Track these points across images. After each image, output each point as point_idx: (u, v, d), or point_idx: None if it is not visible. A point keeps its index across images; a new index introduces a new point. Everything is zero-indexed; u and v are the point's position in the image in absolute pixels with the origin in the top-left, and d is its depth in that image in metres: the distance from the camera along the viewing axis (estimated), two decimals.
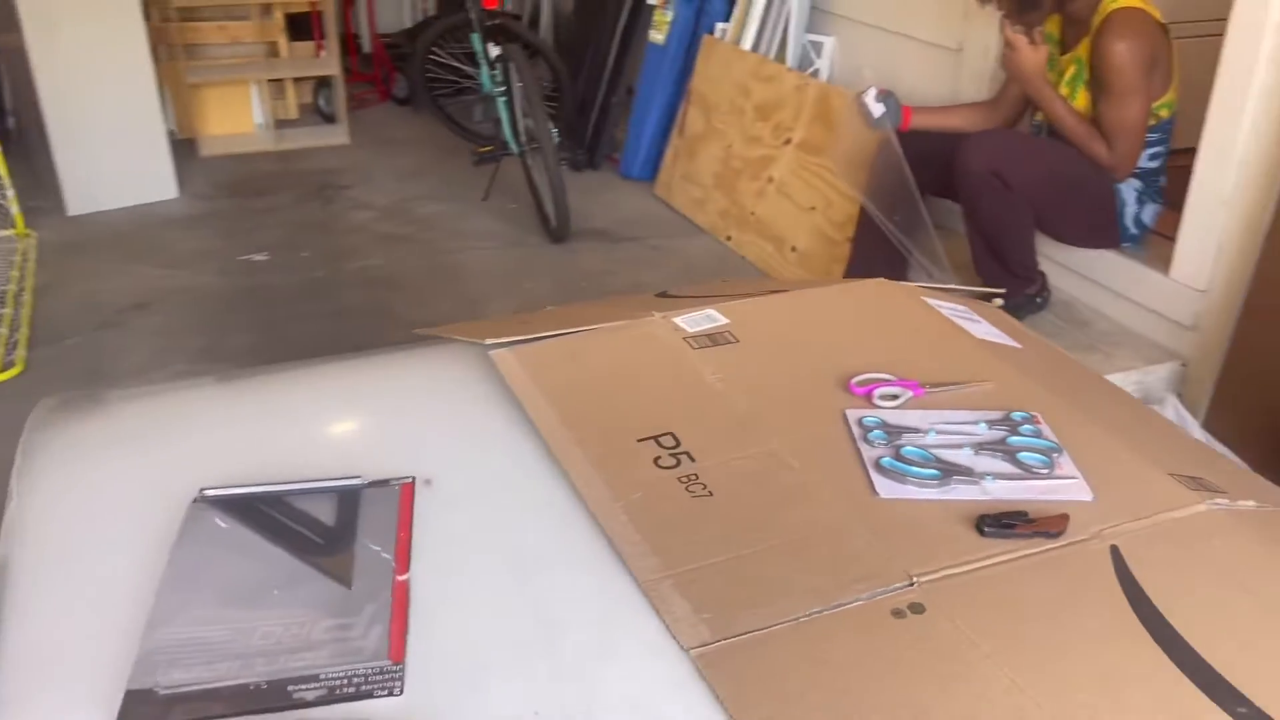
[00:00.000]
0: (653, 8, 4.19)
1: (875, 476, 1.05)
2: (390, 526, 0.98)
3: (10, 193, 3.57)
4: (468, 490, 1.06)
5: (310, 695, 0.79)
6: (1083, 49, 2.37)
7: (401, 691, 0.80)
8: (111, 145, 3.83)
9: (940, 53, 3.08)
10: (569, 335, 1.30)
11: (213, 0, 4.73)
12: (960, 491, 1.04)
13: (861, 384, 1.21)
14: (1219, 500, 1.05)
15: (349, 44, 5.40)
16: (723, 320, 1.34)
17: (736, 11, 3.87)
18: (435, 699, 0.80)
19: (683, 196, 3.90)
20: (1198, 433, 2.22)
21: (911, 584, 0.91)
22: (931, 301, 1.47)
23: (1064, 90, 2.41)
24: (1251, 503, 1.07)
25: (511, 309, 3.11)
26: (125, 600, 0.90)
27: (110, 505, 1.05)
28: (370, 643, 0.84)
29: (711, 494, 1.03)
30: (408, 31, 5.64)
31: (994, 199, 2.32)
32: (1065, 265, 2.67)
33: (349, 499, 1.01)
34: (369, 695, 0.79)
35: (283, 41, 4.97)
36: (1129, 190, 2.43)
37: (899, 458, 1.08)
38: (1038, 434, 1.13)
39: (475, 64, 4.30)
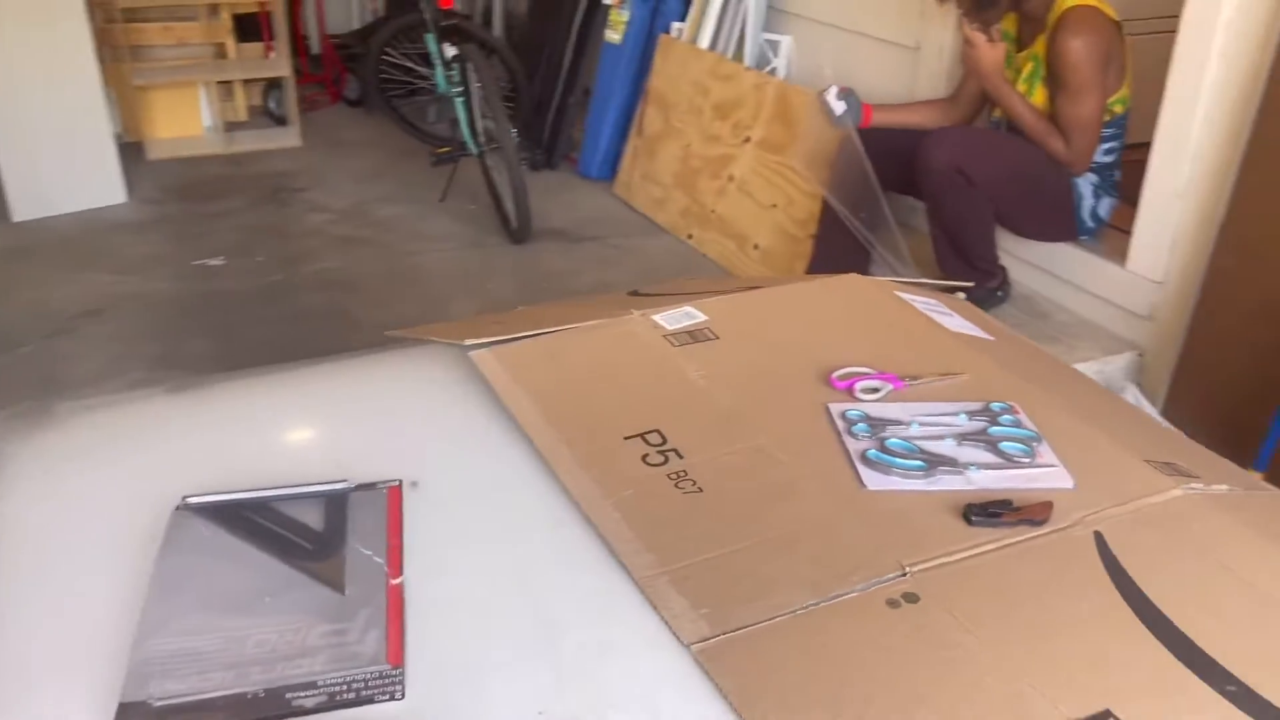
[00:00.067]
0: (608, 7, 4.19)
1: (862, 469, 1.06)
2: (380, 530, 0.96)
3: None
4: (455, 492, 1.05)
5: (310, 702, 0.78)
6: (1039, 46, 2.42)
7: (403, 695, 0.79)
8: (57, 149, 3.74)
9: (898, 51, 3.12)
10: (548, 335, 1.30)
11: (158, 1, 4.64)
12: (945, 482, 1.05)
13: (842, 378, 1.22)
14: (1194, 485, 1.08)
15: (298, 45, 5.33)
16: (701, 317, 1.35)
17: (693, 11, 3.89)
18: (438, 702, 0.79)
19: (643, 196, 3.90)
20: (1157, 420, 2.27)
21: (904, 574, 0.92)
22: (904, 296, 1.49)
23: (1022, 87, 2.45)
24: (1224, 487, 1.10)
25: (474, 310, 3.09)
26: (109, 612, 0.88)
27: (87, 516, 1.03)
28: (368, 647, 0.83)
29: (701, 490, 1.03)
30: (358, 32, 5.58)
31: (957, 194, 2.36)
32: (1025, 259, 2.72)
33: (336, 503, 1.00)
34: (370, 700, 0.78)
35: (230, 43, 4.89)
36: (1086, 184, 2.48)
37: (884, 450, 1.09)
38: (1017, 424, 1.15)
39: (429, 64, 4.27)
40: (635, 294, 1.62)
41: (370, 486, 1.02)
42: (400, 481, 1.03)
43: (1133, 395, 2.36)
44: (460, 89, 3.71)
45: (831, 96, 2.63)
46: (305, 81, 5.22)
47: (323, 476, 1.03)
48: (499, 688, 0.81)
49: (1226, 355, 2.19)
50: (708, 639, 0.84)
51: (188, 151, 4.55)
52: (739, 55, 3.69)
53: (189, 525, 0.96)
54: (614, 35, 4.15)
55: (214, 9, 4.82)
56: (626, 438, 1.10)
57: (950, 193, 2.37)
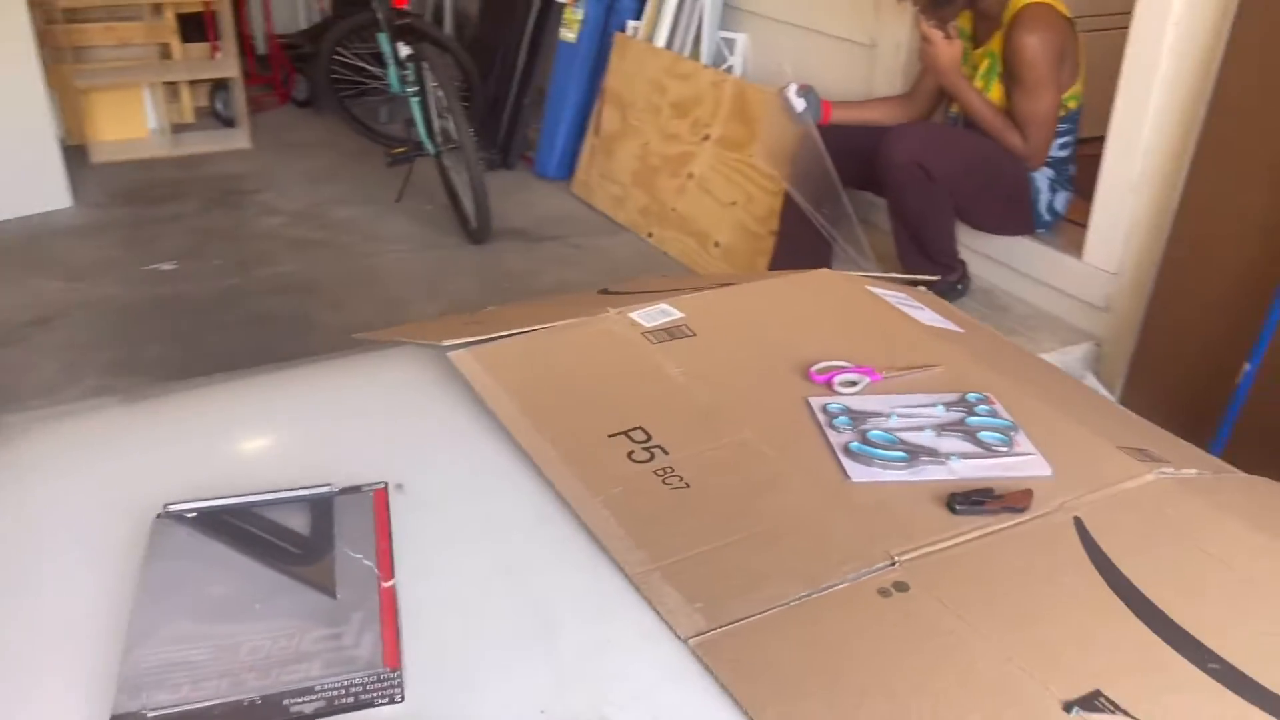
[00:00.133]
0: (563, 6, 4.17)
1: (845, 461, 1.07)
2: (368, 533, 0.95)
3: None
4: (441, 494, 1.04)
5: (308, 708, 0.77)
6: (995, 43, 2.46)
7: (402, 698, 0.78)
8: None
9: (854, 48, 3.15)
10: (527, 334, 1.29)
11: (100, 1, 4.54)
12: (928, 472, 1.06)
13: (821, 371, 1.23)
14: (1165, 469, 1.10)
15: (244, 45, 5.25)
16: (677, 314, 1.35)
17: (648, 9, 3.89)
18: (438, 704, 0.79)
19: (601, 194, 3.90)
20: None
21: (893, 564, 0.93)
22: (875, 290, 1.51)
23: (979, 83, 2.49)
24: (1193, 471, 1.13)
25: (437, 312, 3.07)
26: (94, 623, 0.86)
27: (63, 526, 1.01)
28: (364, 651, 0.82)
29: (689, 486, 1.03)
30: (307, 32, 5.50)
31: (917, 189, 2.39)
32: (983, 253, 2.77)
33: (321, 507, 0.98)
34: (369, 704, 0.78)
35: (175, 43, 4.80)
36: (1042, 179, 2.53)
37: (866, 441, 1.10)
38: (993, 413, 1.17)
39: (382, 64, 4.22)
40: (605, 292, 1.62)
41: (355, 490, 1.01)
42: (385, 484, 1.03)
43: (1091, 385, 2.41)
44: (416, 89, 3.68)
45: (792, 94, 2.65)
46: (253, 82, 5.14)
47: (304, 481, 1.02)
48: (499, 688, 0.80)
49: (1181, 344, 2.24)
50: (704, 632, 0.85)
51: (134, 154, 4.46)
52: (695, 53, 3.70)
53: (172, 533, 0.95)
54: (569, 34, 4.14)
55: (157, 9, 4.73)
56: (611, 435, 1.10)
57: (911, 187, 2.41)
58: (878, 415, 1.15)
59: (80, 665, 0.83)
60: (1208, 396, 2.14)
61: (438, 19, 5.11)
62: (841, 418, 1.14)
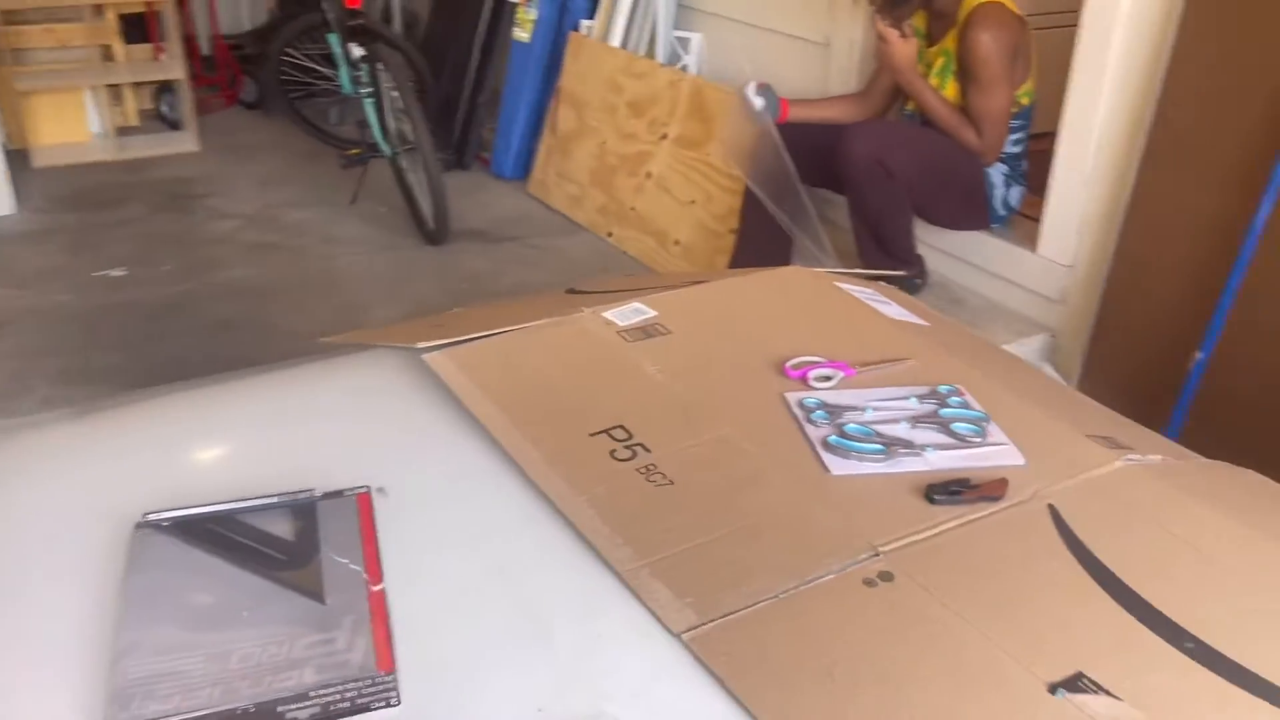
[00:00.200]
0: (515, 6, 4.16)
1: (825, 455, 1.09)
2: (354, 538, 0.95)
3: None
4: (424, 496, 1.04)
5: (303, 714, 0.76)
6: (949, 41, 2.50)
7: (398, 701, 0.78)
8: None
9: (808, 47, 3.18)
10: (502, 335, 1.29)
11: (39, 2, 4.43)
12: (905, 464, 1.08)
13: (796, 367, 1.24)
14: (1132, 456, 1.13)
15: (189, 47, 5.16)
16: (651, 313, 1.36)
17: (601, 9, 3.89)
18: (434, 706, 0.79)
19: (559, 194, 3.89)
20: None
21: (877, 554, 0.94)
22: (844, 286, 1.53)
23: (934, 81, 2.53)
24: (1158, 457, 1.16)
25: (397, 314, 3.05)
26: (77, 635, 0.85)
27: (38, 538, 0.99)
28: (356, 655, 0.82)
29: (672, 482, 1.04)
30: (254, 32, 5.43)
31: (876, 185, 2.42)
32: (939, 248, 2.81)
33: (305, 513, 0.98)
34: (365, 708, 0.77)
35: (118, 45, 4.71)
36: (997, 174, 2.58)
37: (844, 435, 1.11)
38: (965, 405, 1.19)
39: (332, 65, 4.18)
40: (573, 292, 1.62)
41: (338, 494, 1.01)
42: (368, 488, 1.02)
43: (1048, 375, 2.46)
44: (370, 90, 3.64)
45: (750, 92, 2.68)
46: (198, 84, 5.06)
47: (282, 487, 1.01)
48: (495, 688, 0.80)
49: (1135, 334, 2.30)
50: (696, 627, 0.86)
51: (77, 158, 4.36)
52: (650, 52, 3.71)
53: (153, 542, 0.93)
54: (522, 34, 4.13)
55: (98, 10, 4.63)
56: (592, 435, 1.11)
57: (870, 184, 2.44)
58: (853, 409, 1.17)
59: (66, 678, 0.81)
60: (1161, 384, 2.20)
61: (386, 19, 5.07)
62: (818, 412, 1.15)
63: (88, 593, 0.89)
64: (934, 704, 0.79)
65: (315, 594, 0.88)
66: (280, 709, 0.77)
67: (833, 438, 1.11)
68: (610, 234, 3.61)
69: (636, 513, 1.00)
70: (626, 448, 1.09)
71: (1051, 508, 1.03)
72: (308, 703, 0.77)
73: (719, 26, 3.57)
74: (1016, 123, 2.54)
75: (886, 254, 2.55)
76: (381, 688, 0.79)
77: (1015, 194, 2.64)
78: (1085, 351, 2.43)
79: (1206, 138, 2.10)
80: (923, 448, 1.10)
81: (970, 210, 2.61)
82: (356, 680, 0.79)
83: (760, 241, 2.76)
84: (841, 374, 1.24)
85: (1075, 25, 2.39)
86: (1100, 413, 1.37)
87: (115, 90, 4.73)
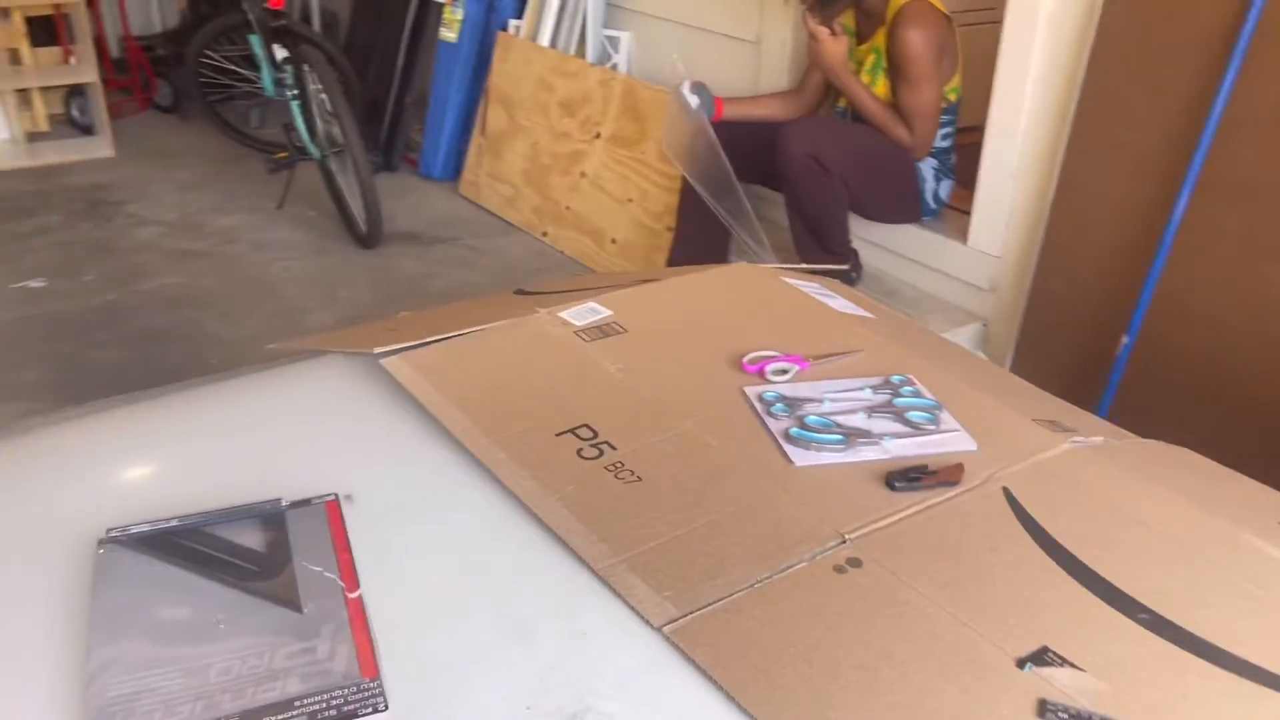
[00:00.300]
0: (441, 6, 4.13)
1: (787, 447, 1.11)
2: (326, 546, 0.94)
3: None
4: (393, 502, 1.03)
5: None
6: (879, 39, 2.56)
7: (386, 707, 0.78)
8: None
9: (739, 45, 3.22)
10: (459, 338, 1.29)
11: None
12: (865, 453, 1.11)
13: (753, 362, 1.27)
14: (1077, 439, 1.18)
15: (99, 49, 5.01)
16: (606, 312, 1.37)
17: (530, 8, 3.88)
18: (423, 710, 0.79)
19: (492, 195, 3.88)
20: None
21: (844, 542, 0.97)
22: (791, 281, 1.56)
23: (865, 78, 2.58)
24: (1099, 438, 1.21)
25: (334, 319, 3.01)
26: (46, 654, 0.83)
27: None
28: (339, 663, 0.81)
29: (641, 479, 1.05)
30: (167, 34, 5.29)
31: (813, 182, 2.47)
32: (873, 242, 2.87)
33: (274, 522, 0.97)
34: (354, 715, 0.77)
35: (25, 48, 4.56)
36: (927, 168, 2.65)
37: (804, 427, 1.14)
38: (917, 394, 1.22)
39: (252, 66, 4.10)
40: (522, 292, 1.63)
41: (305, 503, 1.00)
42: (336, 495, 1.01)
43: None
44: (296, 92, 3.58)
45: (685, 90, 2.70)
46: (110, 87, 4.91)
47: (246, 498, 1.00)
48: (482, 689, 0.81)
49: (1063, 320, 2.38)
50: (676, 620, 0.87)
51: None
52: (580, 51, 3.71)
53: (118, 558, 0.92)
54: (449, 34, 4.10)
55: (4, 12, 4.48)
56: (558, 434, 1.12)
57: (806, 180, 2.48)
58: (811, 401, 1.19)
59: (40, 702, 0.79)
60: (1090, 368, 2.28)
61: (305, 19, 4.99)
62: (778, 405, 1.18)
63: (53, 614, 0.87)
64: (912, 684, 0.81)
65: (292, 603, 0.87)
66: (266, 719, 0.76)
67: (794, 430, 1.13)
68: (546, 234, 3.61)
69: (608, 510, 1.01)
70: (593, 446, 1.10)
71: (1006, 490, 1.07)
72: (294, 712, 0.77)
73: (648, 25, 3.59)
74: (945, 118, 2.60)
75: (823, 248, 2.60)
76: (368, 694, 0.79)
77: (945, 187, 2.71)
78: (1016, 339, 2.51)
79: (1127, 130, 2.18)
80: (880, 436, 1.13)
81: (903, 204, 2.67)
82: (342, 688, 0.79)
83: (698, 239, 2.79)
84: (797, 367, 1.27)
85: (997, 21, 2.47)
86: (1042, 397, 1.42)
87: (24, 95, 4.57)
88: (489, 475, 1.05)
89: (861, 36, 2.63)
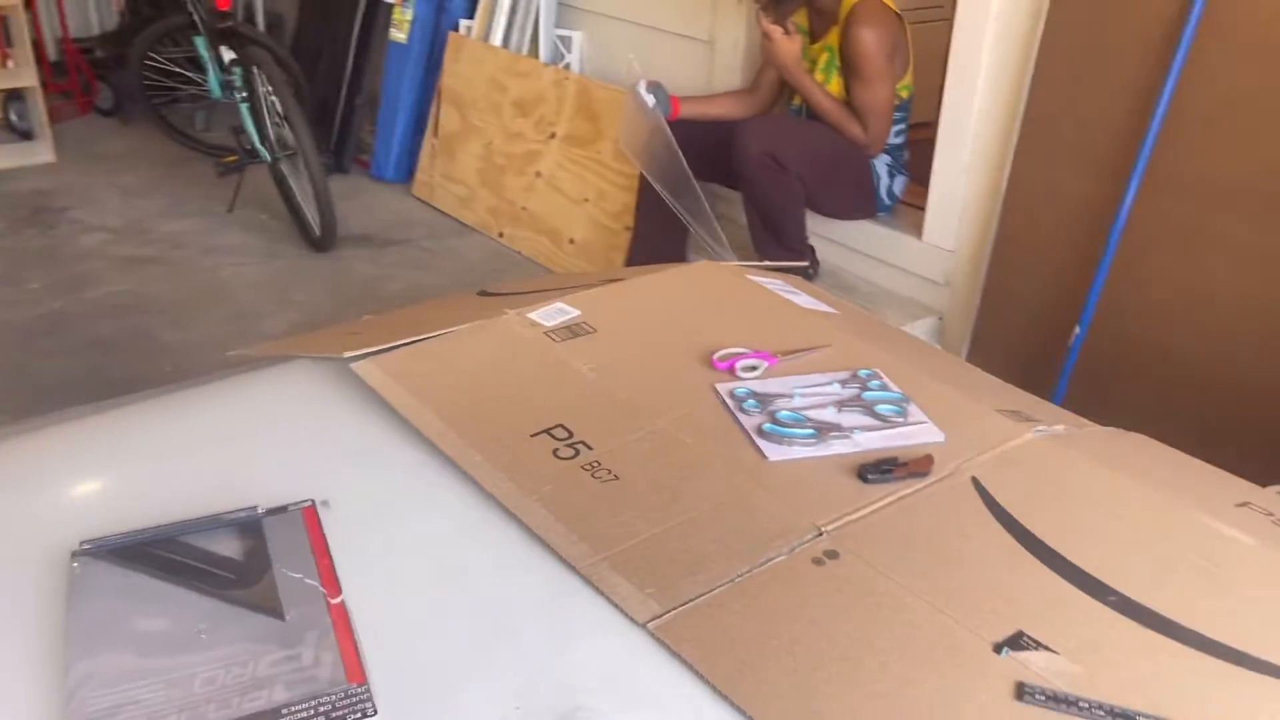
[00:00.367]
0: (391, 6, 4.10)
1: (760, 442, 1.12)
2: (305, 552, 0.94)
3: None
4: (370, 507, 1.03)
5: None
6: (832, 38, 2.59)
7: (375, 712, 0.78)
8: None
9: (692, 44, 3.23)
10: (428, 340, 1.29)
11: None
12: (836, 446, 1.13)
13: (723, 359, 1.28)
14: (1040, 428, 1.21)
15: (36, 52, 4.89)
16: (574, 312, 1.37)
17: (481, 8, 3.87)
18: (412, 714, 0.78)
19: (446, 196, 3.85)
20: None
21: (821, 534, 0.98)
22: (756, 279, 1.57)
23: (819, 77, 2.61)
24: (1061, 427, 1.24)
25: (290, 324, 2.97)
26: (23, 676, 0.81)
27: None
28: (325, 669, 0.81)
29: (617, 478, 1.06)
30: (107, 36, 5.18)
31: (770, 179, 2.49)
32: (829, 238, 2.90)
33: (250, 530, 0.96)
34: None
35: None
36: (881, 165, 2.68)
37: (776, 422, 1.15)
38: (885, 387, 1.25)
39: (198, 68, 4.04)
40: (486, 294, 1.62)
41: (282, 510, 0.99)
42: (312, 501, 1.01)
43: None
44: (245, 94, 3.53)
45: (641, 89, 2.71)
46: (49, 91, 4.80)
47: (220, 506, 0.99)
48: (470, 691, 0.81)
49: (1017, 312, 2.43)
50: (660, 616, 0.88)
51: None
52: (533, 51, 3.71)
53: (92, 570, 0.90)
54: (399, 34, 4.07)
55: None
56: (533, 435, 1.12)
57: (764, 178, 2.50)
58: (782, 396, 1.21)
59: (16, 717, 0.78)
60: (1043, 359, 2.34)
61: (249, 19, 4.92)
62: (749, 401, 1.19)
63: (27, 629, 0.86)
64: (893, 673, 0.83)
65: (274, 610, 0.87)
66: None
67: (766, 425, 1.14)
68: (502, 234, 3.59)
69: (587, 509, 1.01)
70: (569, 446, 1.10)
71: (975, 480, 1.09)
72: None
73: (601, 25, 3.59)
74: (897, 115, 2.64)
75: (781, 245, 2.62)
76: (356, 699, 0.79)
77: (899, 183, 2.75)
78: (972, 331, 2.56)
79: (1075, 125, 2.24)
80: (851, 430, 1.15)
81: (858, 200, 2.71)
82: (329, 694, 0.79)
83: (657, 238, 2.81)
84: (766, 363, 1.28)
85: (948, 19, 2.51)
86: (1004, 388, 1.45)
87: None
88: (465, 477, 1.05)
89: (814, 35, 2.66)
